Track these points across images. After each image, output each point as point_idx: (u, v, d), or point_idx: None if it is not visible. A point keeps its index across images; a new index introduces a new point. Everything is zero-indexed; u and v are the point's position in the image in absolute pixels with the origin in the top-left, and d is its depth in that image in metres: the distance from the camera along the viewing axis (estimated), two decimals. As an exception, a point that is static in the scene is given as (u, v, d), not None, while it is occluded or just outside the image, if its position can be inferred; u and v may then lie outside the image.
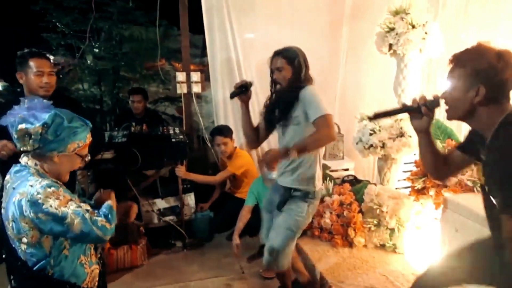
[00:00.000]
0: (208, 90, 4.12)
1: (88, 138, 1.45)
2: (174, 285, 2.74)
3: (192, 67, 4.03)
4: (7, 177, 1.41)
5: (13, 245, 1.37)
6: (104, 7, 4.32)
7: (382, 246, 2.83)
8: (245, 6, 3.76)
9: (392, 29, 2.97)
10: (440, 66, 3.25)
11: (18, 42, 4.72)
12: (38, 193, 1.28)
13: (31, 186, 1.30)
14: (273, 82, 2.12)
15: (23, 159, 1.41)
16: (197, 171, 3.44)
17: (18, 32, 4.74)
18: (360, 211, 2.90)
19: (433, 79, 3.35)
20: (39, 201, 1.27)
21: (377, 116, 1.44)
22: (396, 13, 2.99)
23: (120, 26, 4.49)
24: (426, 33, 2.92)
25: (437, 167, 1.45)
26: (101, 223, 1.35)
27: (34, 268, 1.36)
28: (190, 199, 3.39)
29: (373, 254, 2.78)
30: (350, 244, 2.86)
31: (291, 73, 2.03)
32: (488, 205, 1.30)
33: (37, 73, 2.13)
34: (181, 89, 3.74)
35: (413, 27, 2.91)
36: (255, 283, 2.76)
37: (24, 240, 1.32)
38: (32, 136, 1.32)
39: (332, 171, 3.45)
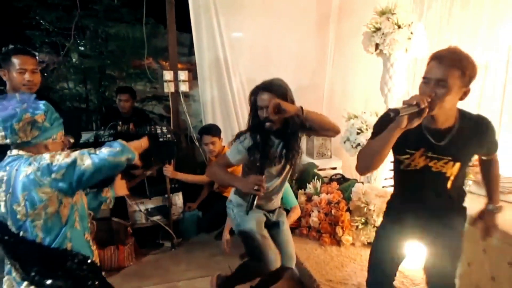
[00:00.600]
0: (195, 89, 4.10)
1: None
2: (163, 285, 2.73)
3: (179, 65, 4.01)
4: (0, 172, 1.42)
5: (23, 231, 1.38)
6: (89, 5, 4.25)
7: (370, 244, 2.84)
8: (233, 4, 3.75)
9: (379, 29, 3.00)
10: (425, 66, 3.29)
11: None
12: (44, 158, 1.35)
13: (35, 160, 1.36)
14: (259, 120, 1.96)
15: (13, 152, 1.43)
16: (185, 170, 3.42)
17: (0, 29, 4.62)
18: (348, 210, 2.93)
19: (418, 78, 3.40)
20: (48, 162, 1.33)
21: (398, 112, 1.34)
22: (382, 13, 3.02)
23: (106, 24, 4.42)
24: (411, 33, 2.96)
25: (377, 163, 1.54)
26: (107, 151, 1.41)
27: (52, 246, 1.39)
28: (178, 198, 3.37)
29: (360, 252, 2.81)
30: (338, 242, 2.88)
31: None
32: (428, 179, 1.57)
33: (19, 70, 2.09)
34: (169, 88, 3.71)
35: (399, 27, 2.94)
36: (244, 282, 2.76)
37: (42, 213, 1.36)
38: (36, 124, 1.38)
39: (320, 169, 3.47)
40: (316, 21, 4.02)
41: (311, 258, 2.76)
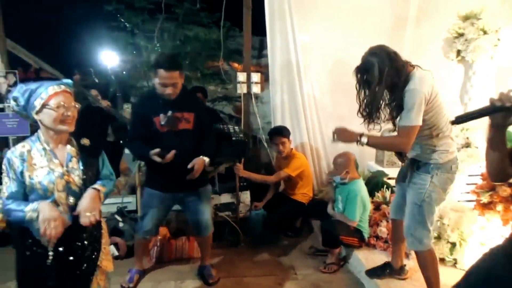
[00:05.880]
0: (265, 91, 4.18)
1: (52, 89, 1.62)
2: (229, 279, 2.84)
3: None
4: None
5: None
6: (171, 8, 4.52)
7: (442, 260, 2.73)
8: (307, 8, 3.77)
9: (461, 35, 2.87)
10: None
11: (91, 40, 5.09)
12: None
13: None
14: None
15: None
16: (249, 170, 3.50)
17: (92, 31, 5.08)
18: (419, 221, 2.83)
19: (504, 87, 3.17)
20: None
21: (460, 120, 1.31)
22: (466, 18, 2.88)
23: (185, 26, 4.67)
24: (498, 39, 2.79)
25: (503, 168, 1.36)
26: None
27: None
28: (246, 197, 3.48)
29: (430, 266, 2.70)
30: (407, 255, 2.78)
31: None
32: None
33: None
34: (241, 89, 3.82)
35: (485, 33, 2.79)
36: (306, 285, 2.79)
37: None
38: (15, 108, 1.66)
39: (389, 178, 3.38)
40: (391, 24, 3.90)
41: (377, 267, 2.71)
